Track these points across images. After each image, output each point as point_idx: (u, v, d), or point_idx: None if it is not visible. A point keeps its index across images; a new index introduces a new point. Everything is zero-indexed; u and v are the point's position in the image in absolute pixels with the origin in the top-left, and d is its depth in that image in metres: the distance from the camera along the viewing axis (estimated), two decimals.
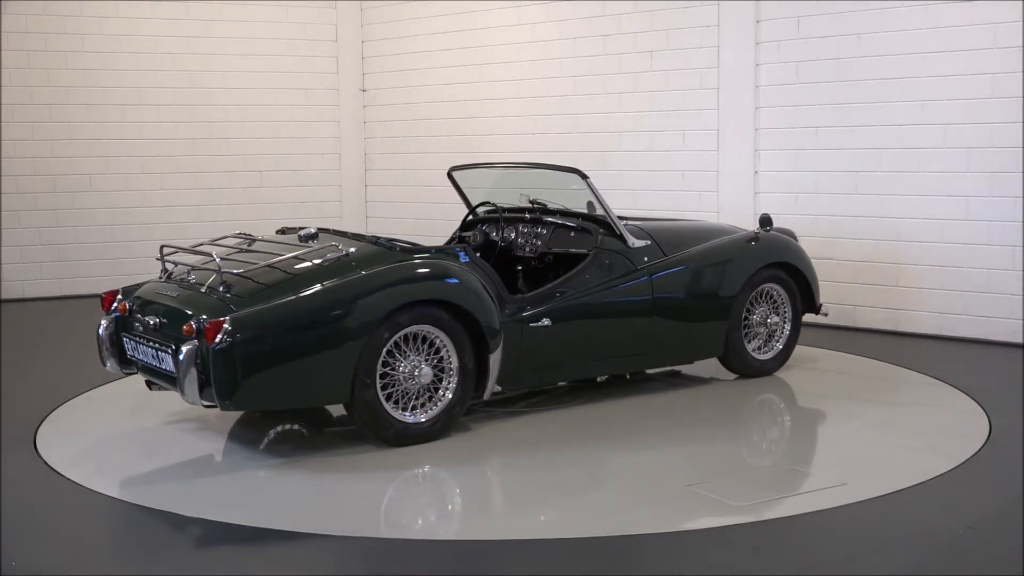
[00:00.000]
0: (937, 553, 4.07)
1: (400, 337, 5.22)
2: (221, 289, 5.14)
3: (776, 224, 7.07)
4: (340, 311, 5.07)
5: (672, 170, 9.37)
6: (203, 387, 4.91)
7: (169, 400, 6.25)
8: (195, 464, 5.23)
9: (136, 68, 10.73)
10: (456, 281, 5.39)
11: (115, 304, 5.67)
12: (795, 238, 7.09)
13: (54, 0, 10.40)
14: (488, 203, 6.89)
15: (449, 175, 7.00)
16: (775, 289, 6.72)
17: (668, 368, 6.81)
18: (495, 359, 5.49)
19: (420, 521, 4.59)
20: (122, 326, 5.59)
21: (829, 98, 8.42)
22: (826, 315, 7.04)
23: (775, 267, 6.68)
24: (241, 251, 5.78)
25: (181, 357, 4.87)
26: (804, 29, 8.52)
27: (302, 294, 5.08)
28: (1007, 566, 3.88)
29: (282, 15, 11.30)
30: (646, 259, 6.23)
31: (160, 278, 5.73)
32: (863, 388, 6.60)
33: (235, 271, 5.29)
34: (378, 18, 11.51)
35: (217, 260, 5.26)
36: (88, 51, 10.56)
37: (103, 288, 5.93)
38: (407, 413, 5.29)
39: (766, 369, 6.71)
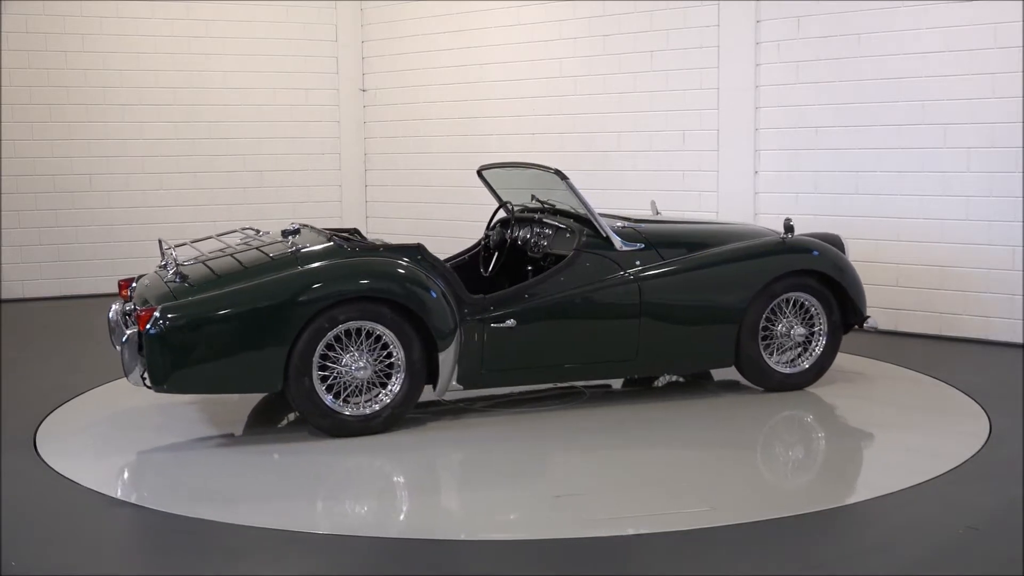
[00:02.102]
0: (937, 553, 4.07)
1: (342, 331, 5.39)
2: (178, 280, 5.48)
3: (822, 230, 6.87)
4: (269, 304, 5.31)
5: (672, 170, 9.37)
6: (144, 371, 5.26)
7: (169, 399, 6.27)
8: (196, 464, 5.23)
9: (136, 68, 10.73)
10: (398, 279, 5.50)
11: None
12: (840, 244, 6.68)
13: (54, 0, 10.41)
14: (509, 202, 6.94)
15: (479, 174, 6.99)
16: (807, 299, 6.32)
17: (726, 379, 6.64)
18: (446, 358, 5.56)
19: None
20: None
21: (829, 98, 8.43)
22: (875, 328, 6.58)
23: (803, 275, 6.30)
24: (229, 245, 6.09)
25: (124, 340, 5.24)
26: (804, 29, 8.52)
27: (236, 287, 5.37)
28: (1007, 566, 3.88)
29: (282, 15, 11.29)
30: (638, 263, 6.06)
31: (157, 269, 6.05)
32: (863, 388, 6.59)
33: (190, 261, 5.70)
34: (378, 18, 11.51)
35: (173, 252, 5.64)
36: (88, 51, 10.56)
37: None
38: (348, 405, 5.45)
39: (791, 384, 6.33)
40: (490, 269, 6.80)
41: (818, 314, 6.37)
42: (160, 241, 6.08)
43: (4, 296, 10.28)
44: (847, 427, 5.88)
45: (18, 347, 8.08)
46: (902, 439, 5.59)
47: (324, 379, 5.39)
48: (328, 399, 5.39)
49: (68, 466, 5.10)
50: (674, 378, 6.75)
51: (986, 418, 5.80)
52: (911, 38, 7.97)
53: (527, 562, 4.04)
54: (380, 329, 5.45)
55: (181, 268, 5.56)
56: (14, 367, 7.33)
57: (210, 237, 6.21)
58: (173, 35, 10.84)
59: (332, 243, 5.73)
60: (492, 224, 6.99)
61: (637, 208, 8.88)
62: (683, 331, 6.15)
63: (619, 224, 6.34)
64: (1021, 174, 7.58)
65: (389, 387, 5.50)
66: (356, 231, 6.60)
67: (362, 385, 5.46)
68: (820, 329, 6.38)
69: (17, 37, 10.29)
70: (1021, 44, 7.47)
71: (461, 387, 5.76)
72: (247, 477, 5.02)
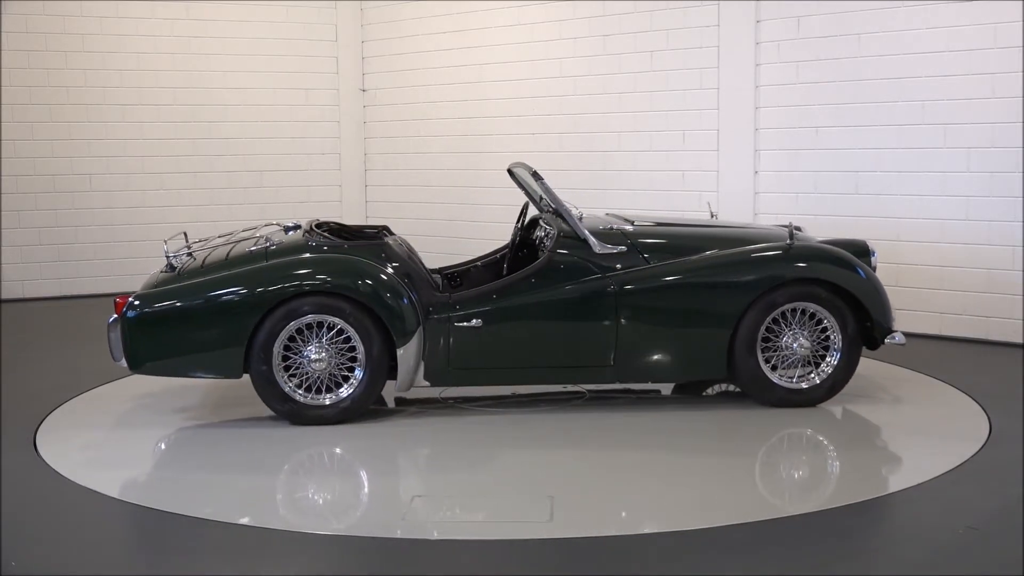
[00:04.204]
0: (937, 553, 4.07)
1: (304, 324, 5.63)
2: (167, 270, 5.85)
3: (829, 233, 6.76)
4: (232, 296, 5.63)
5: (672, 170, 9.37)
6: None
7: (169, 399, 6.27)
8: (196, 464, 5.23)
9: (136, 68, 10.73)
10: (355, 276, 5.66)
11: None
12: (865, 251, 6.25)
13: (54, 0, 10.41)
14: (529, 201, 6.98)
15: (509, 172, 6.93)
16: (817, 310, 5.91)
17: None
18: (406, 355, 5.68)
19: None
20: None
21: (829, 98, 8.43)
22: (902, 345, 6.03)
23: (809, 284, 5.89)
24: (236, 241, 6.29)
25: (109, 323, 5.63)
26: (804, 29, 8.52)
27: (206, 279, 5.68)
28: (1007, 566, 3.89)
29: (282, 15, 11.29)
30: (618, 266, 5.89)
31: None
32: (863, 388, 6.58)
33: (187, 253, 6.04)
34: (378, 18, 11.51)
35: (165, 247, 5.96)
36: (88, 51, 10.56)
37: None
38: (308, 394, 5.68)
39: (797, 400, 5.96)
40: (506, 268, 6.86)
41: (832, 326, 5.97)
42: (185, 234, 6.39)
43: (4, 296, 10.28)
44: (846, 427, 5.87)
45: (18, 347, 8.08)
46: (902, 439, 5.60)
47: (287, 368, 5.65)
48: (285, 385, 5.62)
49: (68, 466, 5.11)
50: (728, 387, 6.53)
51: (986, 418, 5.81)
52: (911, 38, 7.98)
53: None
54: (341, 323, 5.64)
55: (173, 260, 5.89)
56: (14, 367, 7.33)
57: (231, 233, 6.45)
58: (173, 35, 10.85)
59: (301, 239, 5.91)
60: (518, 223, 7.03)
61: (639, 208, 8.93)
62: (665, 339, 5.92)
63: (603, 226, 6.17)
64: (1021, 174, 7.58)
65: (351, 380, 5.69)
66: (386, 228, 6.65)
67: (323, 375, 5.66)
68: (834, 343, 5.97)
69: (17, 37, 10.30)
70: (1021, 44, 7.47)
71: (428, 384, 5.85)
72: (249, 475, 5.02)
